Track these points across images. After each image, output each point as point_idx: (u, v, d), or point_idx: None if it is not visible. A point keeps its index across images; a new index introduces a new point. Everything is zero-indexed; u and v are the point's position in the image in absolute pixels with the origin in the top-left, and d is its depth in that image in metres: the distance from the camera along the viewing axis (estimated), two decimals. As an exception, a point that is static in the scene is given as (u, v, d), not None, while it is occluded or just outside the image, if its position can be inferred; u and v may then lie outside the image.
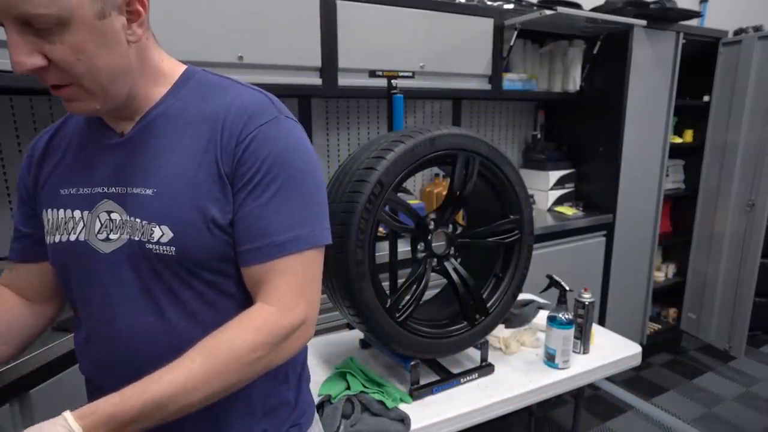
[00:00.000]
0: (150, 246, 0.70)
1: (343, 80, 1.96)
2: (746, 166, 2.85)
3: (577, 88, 2.67)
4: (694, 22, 3.02)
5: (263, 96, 0.75)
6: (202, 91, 0.75)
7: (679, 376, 2.89)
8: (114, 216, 0.73)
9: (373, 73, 1.58)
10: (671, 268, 3.27)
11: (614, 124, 2.60)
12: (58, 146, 0.80)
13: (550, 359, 1.43)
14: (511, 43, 2.31)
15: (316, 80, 1.92)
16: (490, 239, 1.38)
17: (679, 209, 3.25)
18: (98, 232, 0.74)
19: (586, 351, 1.51)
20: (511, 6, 2.41)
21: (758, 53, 2.73)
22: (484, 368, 1.40)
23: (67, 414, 0.60)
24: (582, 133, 2.79)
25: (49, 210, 0.78)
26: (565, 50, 2.63)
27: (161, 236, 0.70)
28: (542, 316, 1.65)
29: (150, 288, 0.72)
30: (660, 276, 3.23)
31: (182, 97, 0.75)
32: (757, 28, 2.95)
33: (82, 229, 0.75)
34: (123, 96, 0.70)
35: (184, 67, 0.79)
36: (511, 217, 1.39)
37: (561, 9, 2.17)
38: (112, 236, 0.73)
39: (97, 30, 0.63)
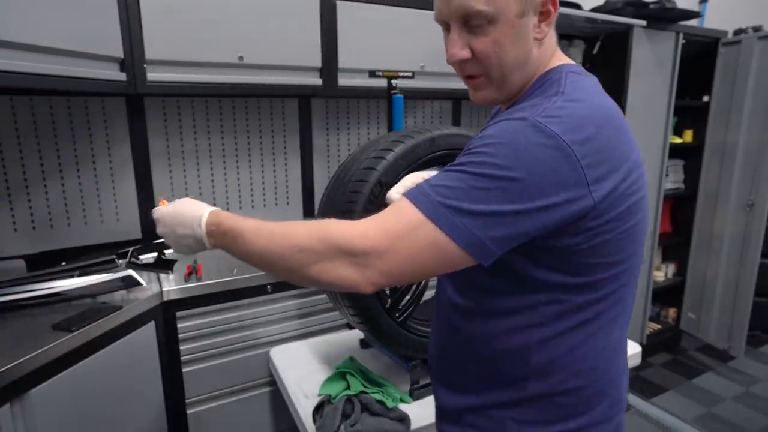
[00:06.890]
0: None
1: (343, 80, 1.96)
2: (746, 167, 2.86)
3: (577, 88, 2.66)
4: (693, 23, 3.02)
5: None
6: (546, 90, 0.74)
7: (678, 376, 2.89)
8: None
9: (373, 73, 1.58)
10: (671, 268, 3.28)
11: (614, 124, 2.59)
12: None
13: (549, 359, 1.43)
14: (511, 43, 2.31)
15: (316, 80, 1.92)
16: (490, 239, 1.38)
17: (679, 209, 3.25)
18: None
19: (585, 351, 1.51)
20: (511, 6, 2.40)
21: (758, 53, 2.73)
22: (484, 368, 1.39)
23: (205, 216, 0.80)
24: (582, 133, 2.79)
25: None
26: (565, 50, 2.63)
27: None
28: (542, 316, 1.65)
29: None
30: (660, 276, 3.23)
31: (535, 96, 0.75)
32: (756, 29, 2.95)
33: None
34: (517, 87, 0.77)
35: (563, 63, 0.78)
36: (511, 217, 1.38)
37: (561, 9, 2.16)
38: None
39: (515, 27, 0.71)
